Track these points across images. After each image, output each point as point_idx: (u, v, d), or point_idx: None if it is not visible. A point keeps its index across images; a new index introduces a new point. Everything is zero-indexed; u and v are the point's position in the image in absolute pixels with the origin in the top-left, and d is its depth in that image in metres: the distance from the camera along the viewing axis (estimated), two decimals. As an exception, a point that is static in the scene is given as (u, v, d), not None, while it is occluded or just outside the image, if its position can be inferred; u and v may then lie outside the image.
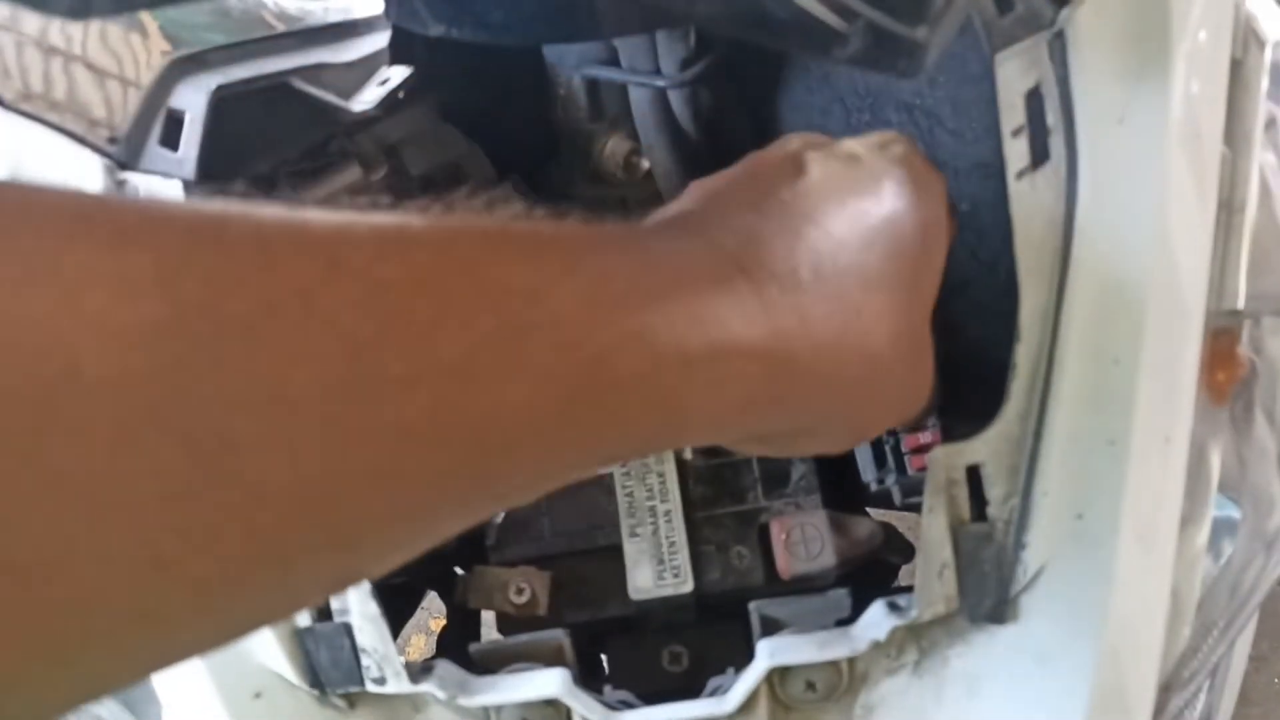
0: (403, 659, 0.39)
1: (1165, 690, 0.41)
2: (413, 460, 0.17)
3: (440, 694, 0.39)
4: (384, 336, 0.17)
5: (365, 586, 0.39)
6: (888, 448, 0.43)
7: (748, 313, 0.24)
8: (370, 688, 0.39)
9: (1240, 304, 0.41)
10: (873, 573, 0.48)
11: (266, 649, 0.40)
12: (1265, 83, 0.42)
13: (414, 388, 0.17)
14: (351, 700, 0.40)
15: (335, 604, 0.39)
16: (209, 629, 0.17)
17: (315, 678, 0.40)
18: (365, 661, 0.39)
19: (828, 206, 0.27)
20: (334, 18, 0.49)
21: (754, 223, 0.26)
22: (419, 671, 0.40)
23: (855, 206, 0.28)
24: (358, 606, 0.39)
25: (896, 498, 0.44)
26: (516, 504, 0.21)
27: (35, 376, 0.13)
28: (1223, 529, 0.43)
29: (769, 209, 0.27)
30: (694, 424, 0.23)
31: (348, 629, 0.39)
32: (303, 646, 0.40)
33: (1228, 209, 0.41)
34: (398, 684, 0.39)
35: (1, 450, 0.13)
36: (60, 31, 0.51)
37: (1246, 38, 0.42)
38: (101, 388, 0.14)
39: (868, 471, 0.45)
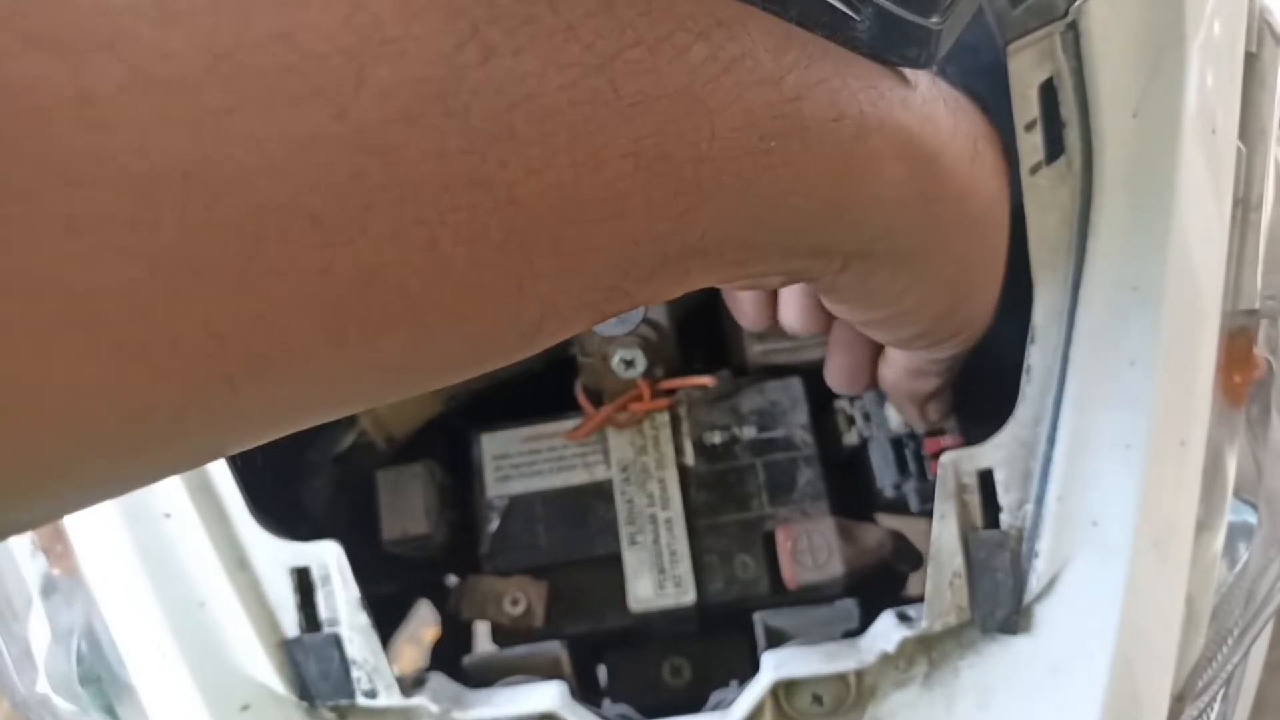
0: (394, 671, 0.38)
1: (1179, 700, 0.40)
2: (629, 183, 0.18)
3: (433, 707, 0.38)
4: (620, 55, 0.17)
5: (355, 597, 0.38)
6: (908, 452, 0.42)
7: (908, 97, 0.24)
8: (361, 701, 0.38)
9: (1257, 303, 0.40)
10: (882, 582, 0.46)
11: (254, 661, 0.38)
12: (1280, 77, 0.41)
13: (642, 111, 0.18)
14: (342, 713, 0.39)
15: (324, 614, 0.38)
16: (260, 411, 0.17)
17: (304, 690, 0.38)
18: (355, 673, 0.38)
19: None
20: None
21: None
22: (411, 684, 0.39)
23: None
24: (347, 617, 0.38)
25: (914, 504, 0.43)
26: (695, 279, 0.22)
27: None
28: (1238, 534, 0.42)
29: None
30: (859, 196, 0.23)
31: (337, 640, 0.38)
32: (291, 658, 0.39)
33: (1243, 206, 0.40)
34: (389, 697, 0.37)
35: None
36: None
37: (1261, 31, 0.41)
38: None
39: (885, 477, 0.44)
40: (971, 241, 0.29)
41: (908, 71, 0.25)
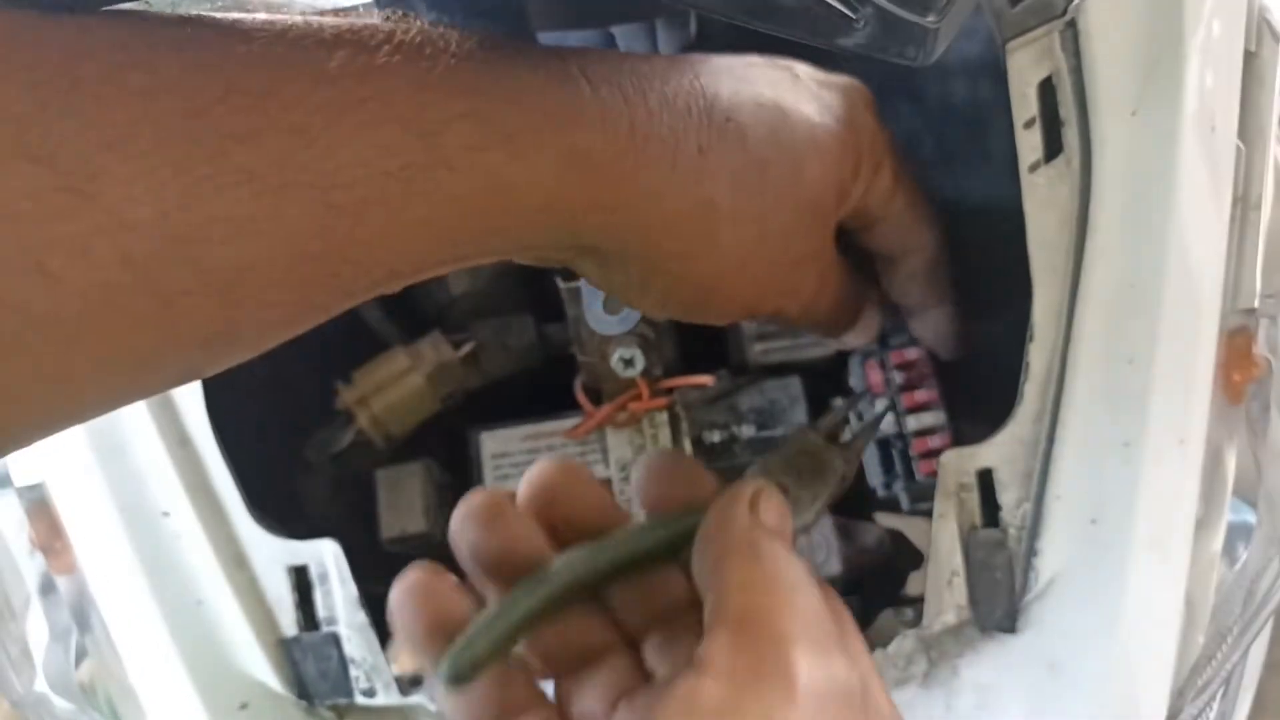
0: (392, 670, 0.38)
1: (1179, 698, 0.40)
2: (267, 207, 0.21)
3: (431, 706, 0.38)
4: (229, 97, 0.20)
5: (353, 595, 0.38)
6: (895, 452, 0.42)
7: (579, 106, 0.26)
8: (359, 699, 0.38)
9: (1256, 302, 0.40)
10: (880, 581, 0.46)
11: (252, 659, 0.38)
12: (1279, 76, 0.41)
13: (259, 140, 0.20)
14: (340, 712, 0.39)
15: (323, 613, 0.38)
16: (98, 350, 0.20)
17: (303, 689, 0.38)
18: (354, 672, 0.38)
19: (721, 63, 0.30)
20: (323, 4, 0.48)
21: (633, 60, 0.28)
22: (409, 683, 0.39)
23: (748, 74, 0.30)
24: (346, 616, 0.38)
25: (904, 503, 0.43)
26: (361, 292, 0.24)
27: None
28: (1238, 533, 0.42)
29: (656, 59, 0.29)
30: (520, 205, 0.25)
31: (335, 639, 0.38)
32: (289, 656, 0.39)
33: (1243, 204, 0.40)
34: (387, 695, 0.37)
35: None
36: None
37: (1260, 30, 0.41)
38: None
39: (874, 476, 0.44)
40: (691, 241, 0.29)
41: (599, 80, 0.26)
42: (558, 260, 0.29)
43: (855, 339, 0.41)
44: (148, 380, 0.23)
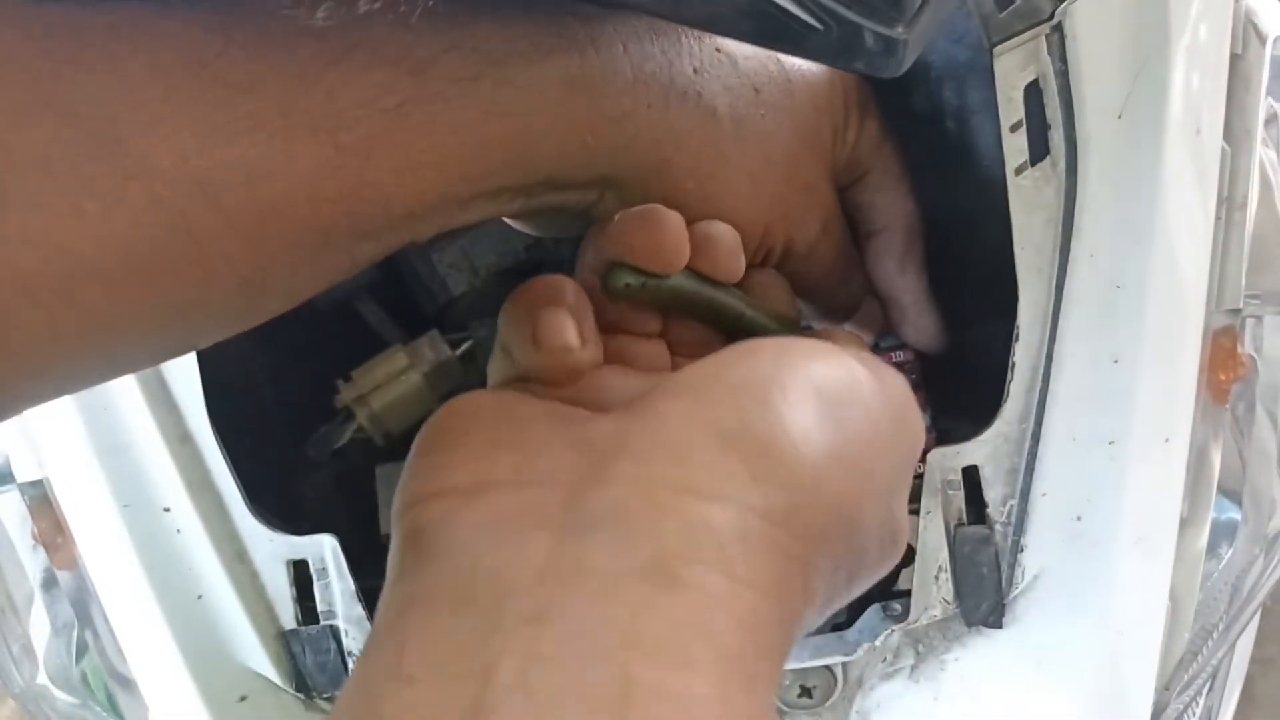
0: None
1: (1164, 693, 0.40)
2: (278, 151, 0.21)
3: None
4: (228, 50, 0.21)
5: (351, 589, 0.38)
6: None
7: (569, 35, 0.27)
8: (357, 692, 0.38)
9: (1241, 302, 0.40)
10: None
11: (252, 652, 0.39)
12: (1265, 78, 0.42)
13: (261, 88, 0.21)
14: (338, 705, 0.39)
15: (322, 607, 0.39)
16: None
17: (301, 681, 0.39)
18: (352, 665, 0.38)
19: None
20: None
21: None
22: (407, 676, 0.39)
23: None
24: (344, 609, 0.38)
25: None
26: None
27: None
28: (1222, 531, 0.43)
29: None
30: (524, 131, 0.26)
31: (334, 632, 0.38)
32: (288, 650, 0.39)
33: (1228, 206, 0.40)
34: (385, 689, 0.38)
35: None
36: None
37: (1246, 33, 0.41)
38: None
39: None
40: (694, 154, 0.30)
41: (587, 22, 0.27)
42: (580, 204, 0.30)
43: (856, 328, 0.41)
44: (192, 329, 0.24)
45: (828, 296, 0.39)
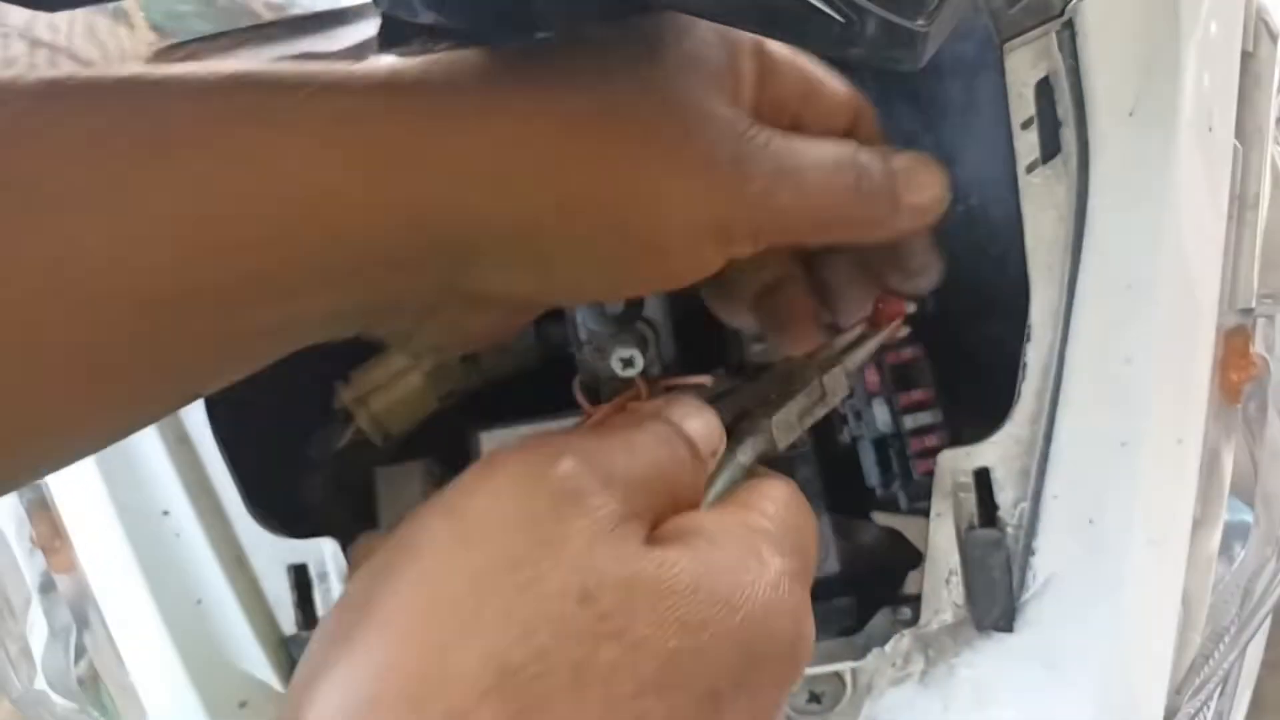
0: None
1: (1176, 697, 0.40)
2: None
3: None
4: None
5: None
6: (892, 452, 0.42)
7: (342, 73, 0.22)
8: (359, 698, 0.38)
9: (1254, 301, 0.40)
10: (878, 580, 0.46)
11: (252, 657, 0.39)
12: (1277, 76, 0.41)
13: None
14: (339, 711, 0.39)
15: (322, 612, 0.38)
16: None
17: (302, 687, 0.39)
18: (354, 671, 0.38)
19: None
20: (322, 5, 0.48)
21: None
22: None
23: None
24: (345, 614, 0.38)
25: (903, 503, 0.43)
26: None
27: None
28: (1235, 532, 0.42)
29: None
30: (314, 196, 0.20)
31: (335, 637, 0.38)
32: (289, 655, 0.39)
33: (1240, 204, 0.40)
34: (387, 694, 0.38)
35: None
36: (46, 24, 0.50)
37: (1257, 30, 0.41)
38: None
39: (872, 476, 0.44)
40: (586, 150, 0.23)
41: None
42: (455, 299, 0.24)
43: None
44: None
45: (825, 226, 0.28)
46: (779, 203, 0.25)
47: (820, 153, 0.27)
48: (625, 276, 0.25)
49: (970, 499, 0.36)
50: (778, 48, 0.27)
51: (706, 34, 0.26)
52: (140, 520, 0.39)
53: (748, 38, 0.26)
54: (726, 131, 0.25)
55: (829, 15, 0.23)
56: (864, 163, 0.27)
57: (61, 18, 0.50)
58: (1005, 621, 0.36)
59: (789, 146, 0.26)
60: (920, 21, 0.23)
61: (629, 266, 0.24)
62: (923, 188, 0.28)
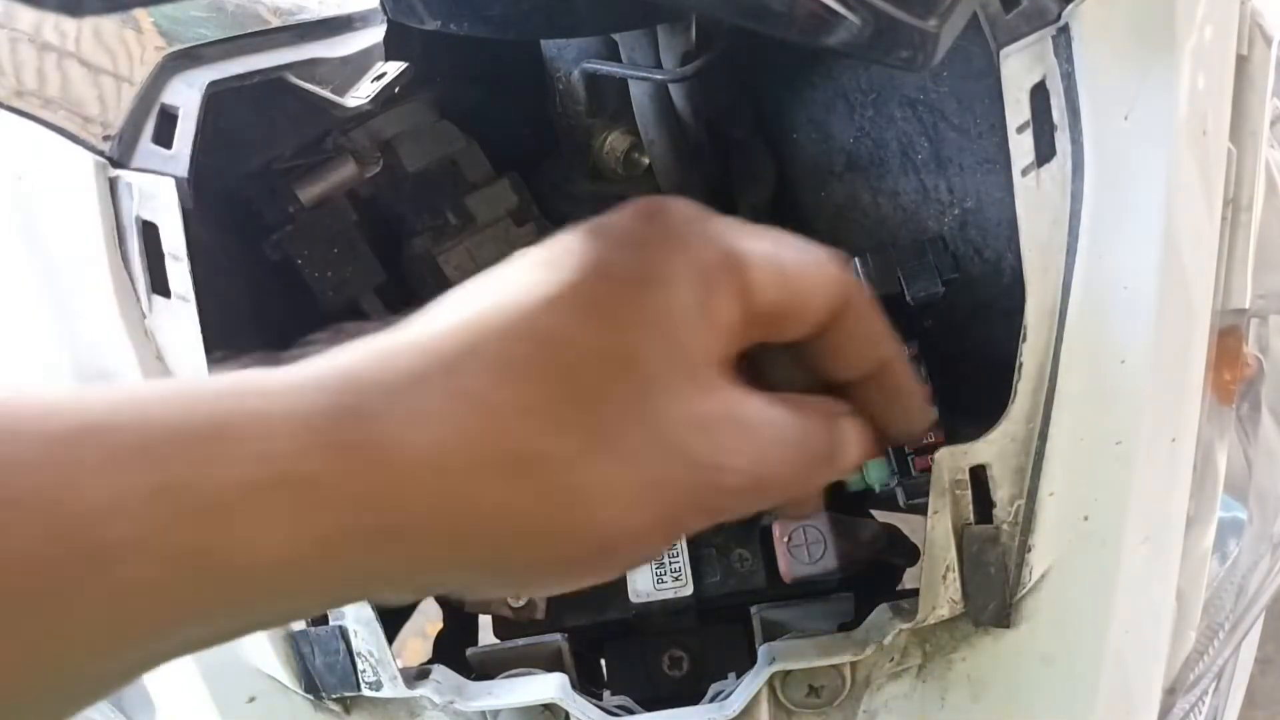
0: (398, 663, 0.39)
1: (1170, 693, 0.40)
2: None
3: (436, 699, 0.38)
4: None
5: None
6: (890, 449, 0.43)
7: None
8: (366, 692, 0.38)
9: (1247, 303, 0.40)
10: (876, 576, 0.47)
11: (261, 653, 0.39)
12: (1271, 79, 0.42)
13: None
14: (347, 705, 0.39)
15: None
16: None
17: (310, 682, 0.39)
18: (361, 666, 0.38)
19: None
20: (329, 12, 0.49)
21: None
22: (415, 676, 0.39)
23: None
24: (352, 610, 0.38)
25: (901, 499, 0.44)
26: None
27: None
28: (1229, 530, 0.43)
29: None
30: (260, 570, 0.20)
31: (343, 632, 0.38)
32: (297, 650, 0.39)
33: (1234, 206, 0.40)
34: (393, 689, 0.38)
35: None
36: (54, 28, 0.50)
37: (1252, 34, 0.42)
38: None
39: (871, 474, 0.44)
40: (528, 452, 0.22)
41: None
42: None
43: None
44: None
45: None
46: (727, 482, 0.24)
47: (771, 424, 0.25)
48: (575, 575, 0.24)
49: (967, 496, 0.37)
50: (760, 268, 0.24)
51: (680, 279, 0.23)
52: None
53: (729, 270, 0.24)
54: (677, 415, 0.23)
55: (841, 14, 0.23)
56: (809, 434, 0.26)
57: (69, 23, 0.51)
58: (1002, 617, 0.37)
59: (744, 412, 0.24)
60: (932, 22, 0.23)
61: (578, 569, 0.24)
62: (861, 451, 0.28)
